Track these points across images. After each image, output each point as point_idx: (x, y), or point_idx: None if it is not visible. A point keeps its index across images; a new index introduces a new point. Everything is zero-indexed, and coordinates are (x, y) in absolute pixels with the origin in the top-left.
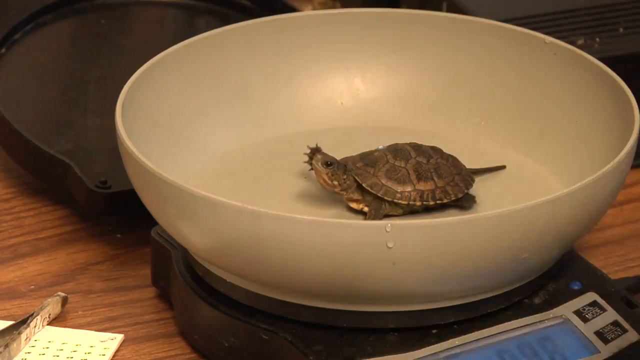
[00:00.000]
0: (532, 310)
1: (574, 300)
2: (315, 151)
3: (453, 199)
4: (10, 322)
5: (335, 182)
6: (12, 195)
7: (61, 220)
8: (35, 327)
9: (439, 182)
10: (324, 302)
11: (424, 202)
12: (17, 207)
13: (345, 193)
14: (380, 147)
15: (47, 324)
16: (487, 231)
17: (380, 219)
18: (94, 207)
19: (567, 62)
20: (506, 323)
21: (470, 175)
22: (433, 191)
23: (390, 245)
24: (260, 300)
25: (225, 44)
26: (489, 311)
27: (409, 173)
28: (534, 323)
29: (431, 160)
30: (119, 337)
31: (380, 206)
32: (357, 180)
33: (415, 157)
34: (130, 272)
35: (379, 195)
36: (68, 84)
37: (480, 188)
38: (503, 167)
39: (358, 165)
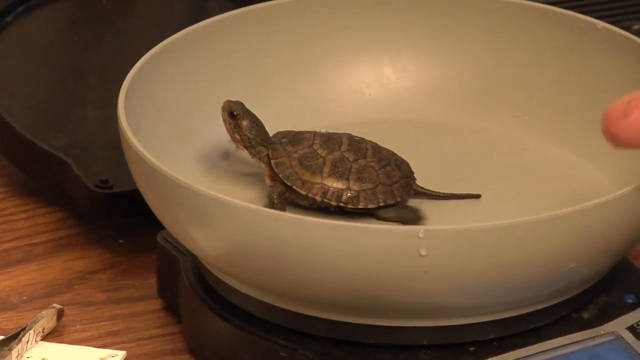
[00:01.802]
0: (580, 325)
1: (628, 315)
2: (232, 102)
3: (361, 206)
4: (0, 337)
5: (237, 136)
6: (3, 196)
7: (57, 224)
8: (27, 342)
9: (354, 184)
10: (348, 316)
11: (325, 200)
12: (8, 208)
13: (254, 157)
14: (323, 130)
15: (41, 339)
16: (530, 238)
17: (283, 205)
18: (94, 209)
19: (620, 50)
20: (551, 340)
21: (407, 190)
22: (340, 192)
23: (422, 252)
24: (278, 314)
25: (239, 28)
26: (532, 327)
27: (324, 164)
28: (582, 340)
29: (360, 161)
30: (121, 354)
31: (283, 191)
32: (268, 153)
33: (342, 151)
34: (133, 281)
35: (280, 176)
36: (65, 73)
37: (522, 189)
38: (478, 195)
39: (283, 139)
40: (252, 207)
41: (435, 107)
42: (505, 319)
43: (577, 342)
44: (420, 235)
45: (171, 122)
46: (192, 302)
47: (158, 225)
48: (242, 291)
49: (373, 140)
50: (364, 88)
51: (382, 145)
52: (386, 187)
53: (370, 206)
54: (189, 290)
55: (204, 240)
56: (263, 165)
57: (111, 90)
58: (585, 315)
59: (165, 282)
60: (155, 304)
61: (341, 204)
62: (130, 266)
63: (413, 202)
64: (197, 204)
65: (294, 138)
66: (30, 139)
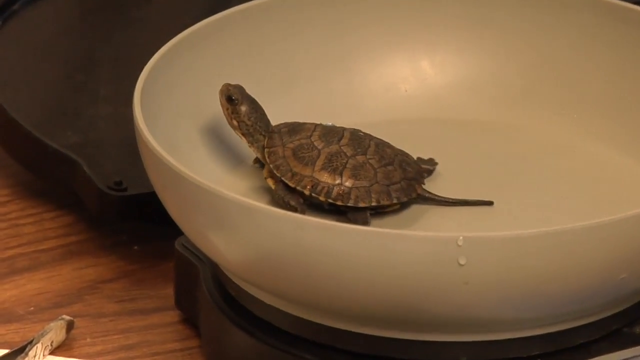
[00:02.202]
0: (632, 341)
1: None
2: (231, 86)
3: (351, 204)
4: (5, 351)
5: (235, 122)
6: (8, 198)
7: (66, 229)
8: (35, 356)
9: (347, 181)
10: (380, 330)
11: (314, 194)
12: (13, 212)
13: (251, 146)
14: (329, 123)
15: (50, 353)
16: (579, 246)
17: (297, 204)
18: (106, 212)
19: None
20: (601, 356)
21: (408, 192)
22: (331, 187)
23: (462, 262)
24: (305, 327)
25: (265, 19)
26: (580, 342)
27: (318, 157)
28: (634, 357)
29: (358, 157)
30: None
31: (286, 193)
32: (264, 142)
33: (341, 145)
34: (148, 291)
35: (270, 166)
36: (76, 65)
37: (569, 193)
38: (490, 202)
39: (283, 129)
40: (278, 211)
41: (476, 104)
42: (551, 333)
43: (629, 358)
44: (460, 243)
45: (191, 119)
46: (212, 313)
47: (176, 231)
48: (267, 302)
49: (410, 141)
50: (400, 84)
51: (419, 146)
52: (383, 186)
53: (361, 204)
54: (209, 301)
55: (226, 247)
56: (259, 155)
57: (126, 85)
58: (638, 329)
59: (183, 292)
60: (173, 315)
61: (330, 200)
62: (146, 275)
63: (418, 208)
64: (218, 208)
65: (294, 128)
66: (37, 136)
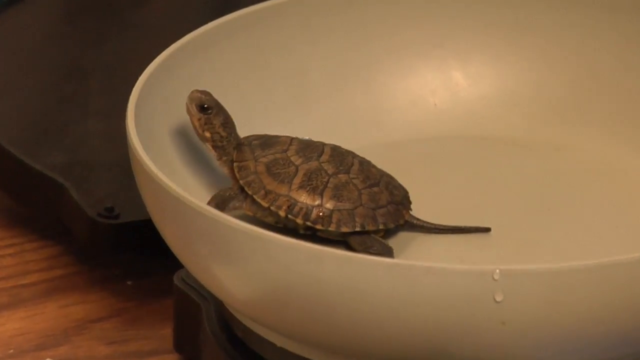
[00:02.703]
0: None
1: None
2: (199, 92)
3: (332, 229)
4: None
5: (207, 134)
6: None
7: (51, 261)
8: None
9: (328, 202)
10: None
11: (291, 216)
12: None
13: (220, 160)
14: (306, 137)
15: None
16: (635, 280)
17: (222, 208)
18: (96, 243)
19: None
20: None
21: (395, 218)
22: (310, 208)
23: (498, 298)
24: None
25: (276, 23)
26: None
27: (295, 174)
28: None
29: (341, 175)
30: None
31: (235, 195)
32: (235, 155)
33: (321, 162)
34: (144, 332)
35: (240, 182)
36: (62, 74)
37: (622, 220)
38: (487, 229)
39: (254, 142)
40: (290, 241)
41: (513, 120)
42: None
43: None
44: (496, 277)
45: (192, 137)
46: (217, 356)
47: (175, 264)
48: (278, 345)
49: (439, 160)
50: (429, 96)
51: (449, 166)
52: (368, 210)
53: (344, 229)
54: (213, 343)
55: (233, 282)
56: (226, 171)
57: (119, 97)
58: None
59: (183, 332)
60: (172, 359)
61: (309, 223)
62: (141, 313)
63: (404, 236)
64: (225, 238)
65: (266, 141)
66: (18, 156)
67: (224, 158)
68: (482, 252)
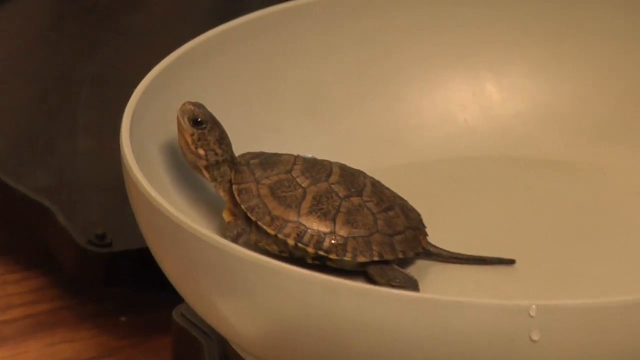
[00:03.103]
0: None
1: None
2: (192, 104)
3: (347, 258)
4: None
5: (201, 151)
6: None
7: (35, 295)
8: None
9: (342, 228)
10: None
11: (301, 244)
12: None
13: (214, 181)
14: (308, 155)
15: None
16: None
17: (239, 243)
18: (86, 274)
19: None
20: None
21: (413, 245)
22: (322, 235)
23: (535, 337)
24: None
25: (287, 29)
26: None
27: (304, 197)
28: None
29: (353, 198)
30: None
31: (244, 230)
32: (231, 176)
33: (331, 183)
34: None
35: (242, 207)
36: (49, 86)
37: None
38: (512, 261)
39: (253, 161)
40: (304, 272)
41: (553, 138)
42: None
43: None
44: (532, 313)
45: None
46: None
47: (174, 298)
48: None
49: (469, 183)
50: (458, 112)
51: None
52: (385, 236)
53: (361, 259)
54: None
55: (239, 317)
56: (222, 194)
57: (111, 111)
58: None
59: None
60: None
61: (321, 253)
62: (136, 352)
63: (419, 265)
64: (229, 268)
65: (267, 160)
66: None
67: (220, 179)
68: (506, 285)
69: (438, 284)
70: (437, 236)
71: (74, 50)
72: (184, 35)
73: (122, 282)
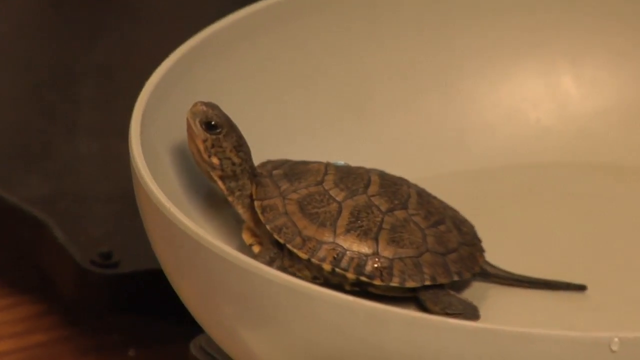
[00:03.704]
0: None
1: None
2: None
3: (395, 284)
4: None
5: (215, 160)
6: None
7: (29, 323)
8: None
9: (386, 249)
10: None
11: (339, 269)
12: None
13: (231, 196)
14: (340, 162)
15: None
16: None
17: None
18: (88, 299)
19: None
20: None
21: (470, 266)
22: (363, 258)
23: None
24: None
25: (325, 11)
26: None
27: (339, 214)
28: None
29: (397, 212)
30: None
31: (276, 255)
32: (252, 190)
33: (370, 195)
34: None
35: (267, 227)
36: (45, 81)
37: None
38: (583, 287)
39: (276, 172)
40: (345, 298)
41: None
42: None
43: None
44: (614, 348)
45: None
46: None
47: (192, 328)
48: None
49: (539, 193)
50: (529, 111)
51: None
52: (436, 256)
53: (410, 284)
54: None
55: (267, 351)
56: (241, 210)
57: (116, 110)
58: None
59: None
60: None
61: (363, 278)
62: None
63: (478, 288)
64: (258, 293)
65: (293, 170)
66: None
67: (237, 193)
68: (576, 315)
69: (498, 311)
70: (500, 255)
71: (75, 36)
72: (203, 19)
73: (130, 309)
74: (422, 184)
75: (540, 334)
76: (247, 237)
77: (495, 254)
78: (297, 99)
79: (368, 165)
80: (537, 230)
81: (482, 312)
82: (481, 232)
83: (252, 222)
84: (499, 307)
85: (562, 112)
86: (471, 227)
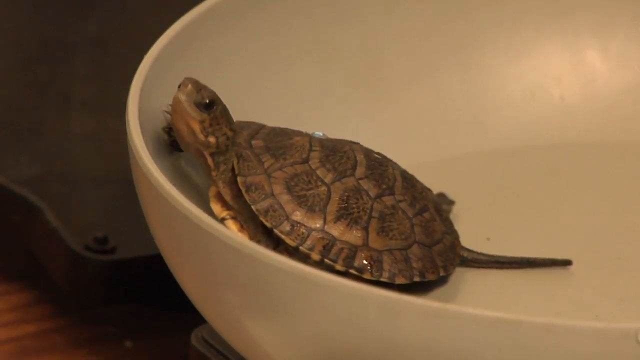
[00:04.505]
0: None
1: None
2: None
3: (385, 279)
4: None
5: (212, 140)
6: None
7: (21, 313)
8: None
9: (376, 240)
10: None
11: (328, 260)
12: None
13: (215, 169)
14: (319, 134)
15: None
16: None
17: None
18: (83, 287)
19: None
20: None
21: (452, 258)
22: (352, 249)
23: None
24: None
25: None
26: None
27: (328, 197)
28: None
29: (386, 198)
30: None
31: (259, 230)
32: (234, 164)
33: (357, 178)
34: None
35: (253, 207)
36: (34, 53)
37: None
38: (568, 262)
39: (255, 142)
40: (355, 286)
41: None
42: None
43: None
44: None
45: None
46: None
47: (193, 318)
48: None
49: (560, 176)
50: (552, 87)
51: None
52: (424, 249)
53: (400, 280)
54: None
55: (272, 342)
56: (221, 185)
57: (113, 85)
58: None
59: None
60: None
61: (353, 271)
62: None
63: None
64: (263, 280)
65: (273, 142)
66: None
67: (222, 167)
68: (560, 292)
69: (479, 295)
70: (520, 240)
71: (67, 5)
72: None
73: (127, 298)
74: (439, 166)
75: (564, 325)
76: (218, 209)
77: (516, 238)
78: (306, 74)
79: (383, 144)
80: (561, 214)
81: (463, 297)
82: (503, 216)
83: (230, 197)
84: (479, 291)
85: (587, 89)
86: (447, 208)
